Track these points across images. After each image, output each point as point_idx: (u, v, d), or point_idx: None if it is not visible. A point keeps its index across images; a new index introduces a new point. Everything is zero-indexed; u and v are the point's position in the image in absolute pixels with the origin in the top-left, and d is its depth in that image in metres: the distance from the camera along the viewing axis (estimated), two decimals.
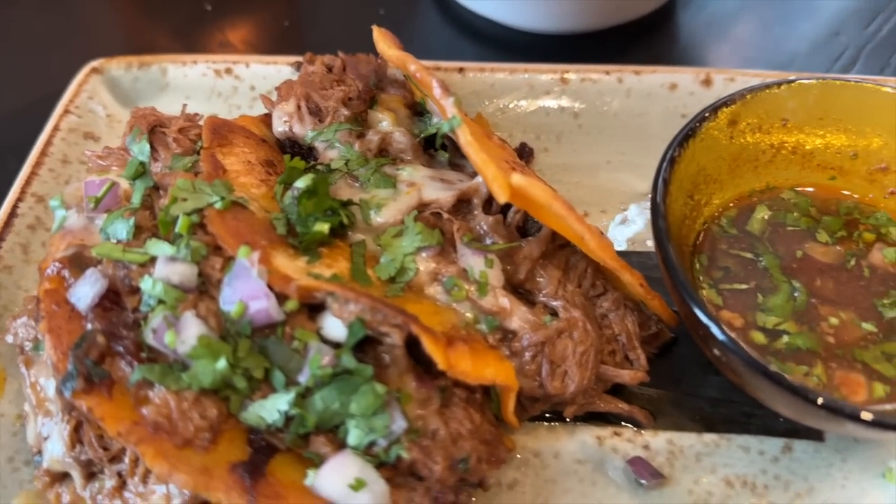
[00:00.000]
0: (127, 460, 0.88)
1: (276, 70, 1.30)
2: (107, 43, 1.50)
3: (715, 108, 1.00)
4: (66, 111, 1.25)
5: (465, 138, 0.91)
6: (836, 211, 1.07)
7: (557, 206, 0.90)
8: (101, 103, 1.29)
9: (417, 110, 1.18)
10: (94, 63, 1.31)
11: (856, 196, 1.08)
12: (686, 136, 0.97)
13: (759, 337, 0.95)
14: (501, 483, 0.97)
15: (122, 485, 0.88)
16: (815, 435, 0.99)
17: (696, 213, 1.03)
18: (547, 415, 1.01)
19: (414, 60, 1.02)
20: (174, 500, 0.84)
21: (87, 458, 0.89)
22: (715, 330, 0.83)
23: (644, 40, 1.59)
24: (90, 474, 0.90)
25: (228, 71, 1.31)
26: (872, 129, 1.05)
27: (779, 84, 1.03)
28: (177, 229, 0.88)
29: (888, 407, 0.91)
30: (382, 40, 1.07)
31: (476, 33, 1.60)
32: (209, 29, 1.58)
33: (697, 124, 0.99)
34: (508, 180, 0.88)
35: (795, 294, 0.98)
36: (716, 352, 0.86)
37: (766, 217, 1.05)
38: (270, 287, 0.84)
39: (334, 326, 0.86)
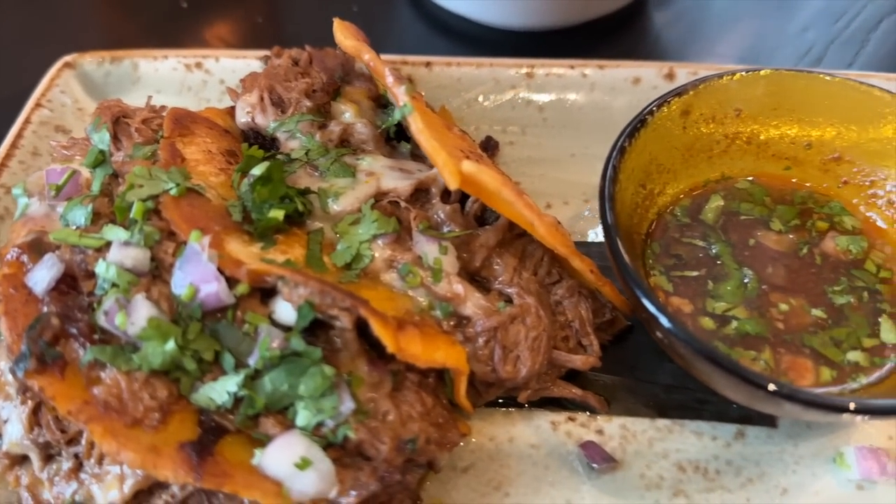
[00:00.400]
0: (84, 442, 0.89)
1: (245, 64, 1.32)
2: (84, 39, 1.52)
3: (667, 99, 1.02)
4: (38, 105, 1.27)
5: (417, 126, 0.92)
6: (791, 200, 1.08)
7: (507, 192, 0.92)
8: (72, 97, 1.31)
9: (382, 103, 1.20)
10: (67, 58, 1.33)
11: (810, 185, 1.10)
12: (637, 126, 0.99)
13: (707, 322, 0.97)
14: (456, 467, 0.99)
15: (78, 466, 0.90)
16: (768, 421, 1.00)
17: (648, 203, 1.04)
18: (500, 400, 1.02)
19: (368, 50, 1.04)
20: (127, 481, 0.86)
21: (44, 440, 0.90)
22: (653, 310, 0.84)
23: (615, 37, 1.61)
24: (48, 456, 0.92)
25: (199, 65, 1.33)
26: (825, 119, 1.07)
27: (731, 74, 1.04)
28: (131, 215, 0.90)
29: (834, 390, 0.93)
30: (340, 31, 1.09)
31: (448, 30, 1.62)
32: (184, 25, 1.61)
33: (649, 115, 1.00)
34: (459, 167, 0.90)
35: (746, 281, 1.00)
36: (659, 335, 0.88)
37: (719, 206, 1.07)
38: (222, 271, 0.86)
39: (285, 310, 0.87)
